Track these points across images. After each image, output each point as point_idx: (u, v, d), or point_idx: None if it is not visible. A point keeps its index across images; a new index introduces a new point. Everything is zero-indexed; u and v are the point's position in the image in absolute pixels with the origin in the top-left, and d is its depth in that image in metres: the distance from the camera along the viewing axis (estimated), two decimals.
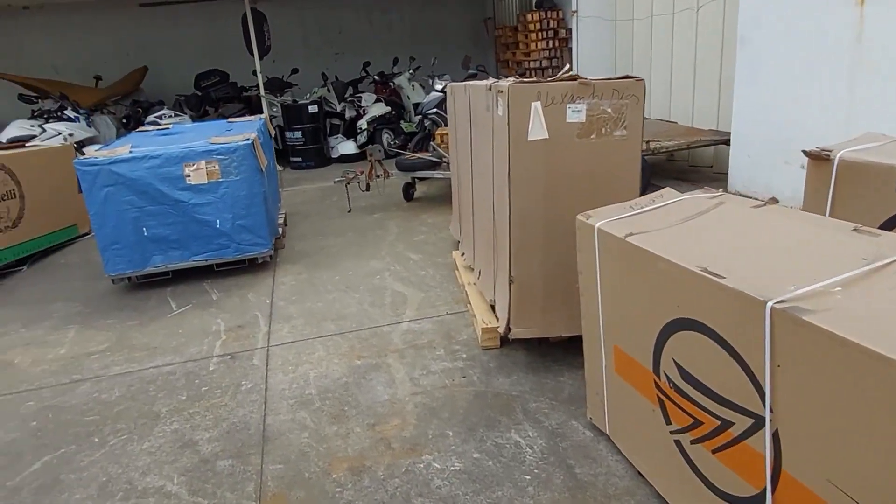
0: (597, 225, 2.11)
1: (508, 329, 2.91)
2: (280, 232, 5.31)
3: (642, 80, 2.64)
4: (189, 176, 4.37)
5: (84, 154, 8.11)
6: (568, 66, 2.83)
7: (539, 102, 2.57)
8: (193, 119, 8.92)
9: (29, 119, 8.32)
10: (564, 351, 3.07)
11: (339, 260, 4.85)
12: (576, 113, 2.60)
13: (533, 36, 9.25)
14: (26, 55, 10.68)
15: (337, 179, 6.25)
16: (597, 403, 2.39)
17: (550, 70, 9.82)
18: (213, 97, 9.63)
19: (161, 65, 10.70)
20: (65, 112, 8.41)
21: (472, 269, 3.88)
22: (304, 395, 2.92)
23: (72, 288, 4.81)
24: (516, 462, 2.33)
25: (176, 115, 8.63)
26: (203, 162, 4.38)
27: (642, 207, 2.19)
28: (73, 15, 10.63)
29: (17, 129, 8.12)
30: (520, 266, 2.80)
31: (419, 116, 8.79)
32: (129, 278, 4.61)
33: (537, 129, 2.59)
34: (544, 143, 2.63)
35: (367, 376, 3.04)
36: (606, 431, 2.38)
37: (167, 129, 5.79)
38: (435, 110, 7.53)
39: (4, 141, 7.98)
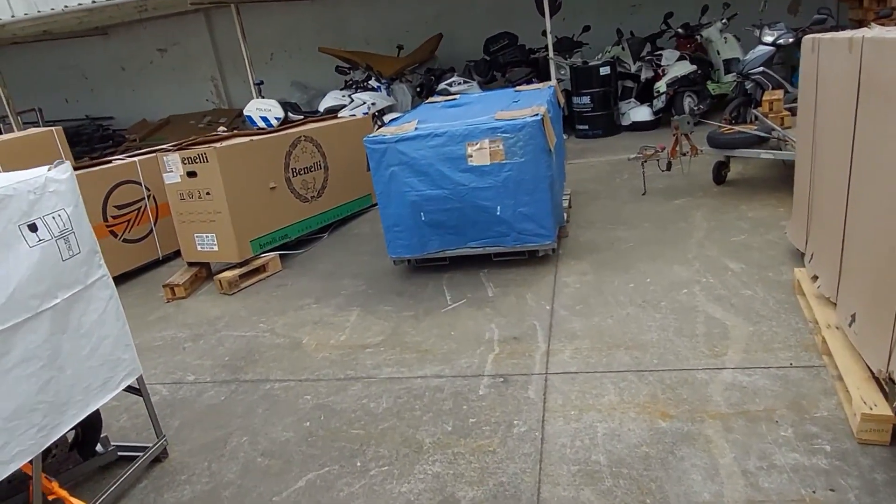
0: None
1: None
2: (564, 218, 4.68)
3: None
4: (471, 156, 3.97)
5: (383, 122, 8.56)
6: None
7: None
8: (481, 85, 8.75)
9: (341, 90, 9.04)
10: None
11: (633, 260, 4.03)
12: None
13: None
14: (348, 30, 11.72)
15: (632, 156, 5.36)
16: None
17: None
18: (500, 61, 9.34)
19: (454, 31, 10.80)
20: (369, 82, 8.93)
21: (835, 305, 2.74)
22: (590, 462, 2.27)
23: (360, 262, 4.88)
24: None
25: (465, 83, 8.54)
26: (486, 141, 3.93)
27: None
28: None
29: (331, 99, 8.87)
30: None
31: (733, 76, 7.27)
32: (409, 261, 4.46)
33: None
34: None
35: (676, 451, 2.26)
36: None
37: (454, 99, 5.54)
38: (761, 69, 6.03)
39: (322, 110, 8.81)
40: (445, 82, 8.52)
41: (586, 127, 8.23)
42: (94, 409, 2.45)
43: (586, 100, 8.08)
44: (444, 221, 4.19)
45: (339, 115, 8.39)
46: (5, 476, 2.07)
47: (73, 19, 9.90)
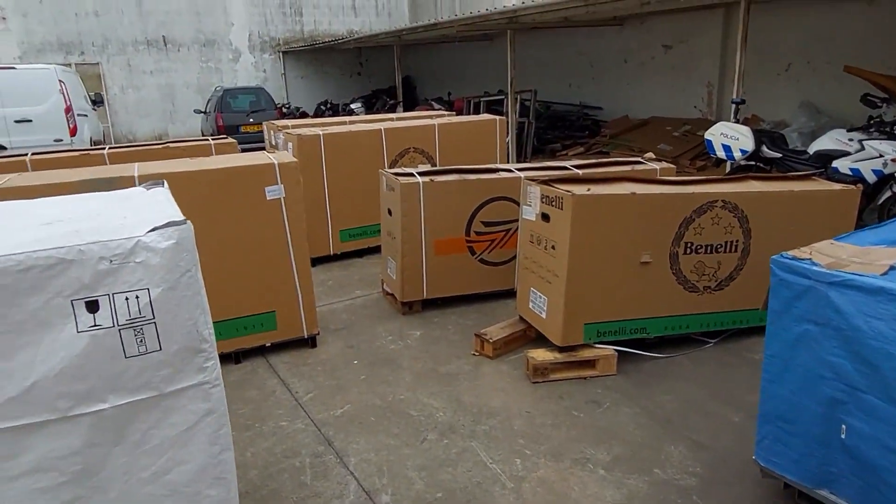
0: None
1: None
2: None
3: None
4: None
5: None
6: None
7: None
8: None
9: (850, 130, 6.42)
10: None
11: None
12: None
13: None
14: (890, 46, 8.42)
15: None
16: None
17: None
18: None
19: None
20: None
21: None
22: None
23: (721, 423, 3.07)
24: None
25: None
26: None
27: None
28: None
29: (829, 140, 6.42)
30: None
31: None
32: (786, 485, 2.46)
33: None
34: None
35: None
36: None
37: None
38: None
39: (810, 152, 6.48)
40: None
41: None
42: None
43: None
44: (881, 466, 2.06)
45: (833, 166, 6.01)
46: None
47: (580, 8, 9.77)
